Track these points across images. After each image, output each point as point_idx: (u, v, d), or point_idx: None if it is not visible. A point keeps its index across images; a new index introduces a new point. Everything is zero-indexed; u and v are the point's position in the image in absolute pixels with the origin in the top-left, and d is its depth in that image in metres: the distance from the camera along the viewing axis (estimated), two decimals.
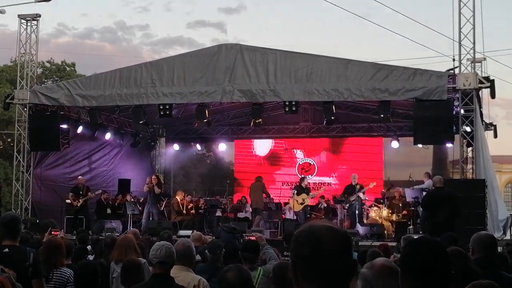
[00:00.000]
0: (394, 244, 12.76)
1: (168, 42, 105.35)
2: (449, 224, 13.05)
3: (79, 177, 21.17)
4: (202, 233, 12.17)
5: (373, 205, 20.81)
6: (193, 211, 21.22)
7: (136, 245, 7.88)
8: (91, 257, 9.40)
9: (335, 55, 22.09)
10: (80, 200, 20.12)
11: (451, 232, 9.12)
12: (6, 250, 5.91)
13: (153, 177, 21.41)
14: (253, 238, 8.24)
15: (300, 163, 25.58)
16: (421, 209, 16.39)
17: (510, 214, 17.76)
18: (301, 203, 20.51)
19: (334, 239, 2.45)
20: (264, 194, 21.32)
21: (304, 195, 20.61)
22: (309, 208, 21.34)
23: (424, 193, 16.88)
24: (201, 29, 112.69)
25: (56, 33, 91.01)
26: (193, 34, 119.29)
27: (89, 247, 10.39)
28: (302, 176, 22.59)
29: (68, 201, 20.32)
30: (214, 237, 12.50)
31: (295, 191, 20.76)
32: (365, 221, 19.91)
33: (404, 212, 19.43)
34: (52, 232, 9.01)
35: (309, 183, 22.57)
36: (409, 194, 18.71)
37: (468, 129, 17.01)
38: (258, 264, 7.31)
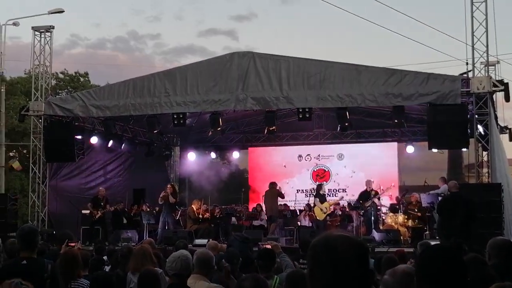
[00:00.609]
0: (411, 250, 12.73)
1: (180, 51, 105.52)
2: (465, 229, 12.99)
3: (100, 188, 21.25)
4: (217, 242, 12.17)
5: (388, 212, 20.73)
6: (207, 221, 21.22)
7: (153, 255, 7.90)
8: (107, 268, 9.42)
9: (347, 60, 22.04)
10: (99, 212, 20.21)
11: (460, 239, 9.04)
12: (24, 262, 5.95)
13: (168, 186, 21.46)
14: (268, 246, 8.24)
15: (315, 169, 25.53)
16: (437, 214, 16.31)
17: None
18: (325, 212, 20.41)
19: (351, 248, 2.47)
20: (279, 198, 21.26)
21: (326, 204, 20.53)
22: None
23: (440, 198, 16.80)
24: (213, 37, 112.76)
25: (69, 44, 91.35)
26: (204, 43, 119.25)
27: (105, 257, 10.42)
28: (319, 183, 22.42)
29: (86, 211, 20.39)
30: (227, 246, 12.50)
31: (318, 199, 20.62)
32: (381, 227, 19.81)
33: (418, 214, 19.30)
34: (69, 244, 9.04)
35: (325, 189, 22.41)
36: (425, 199, 18.64)
37: (483, 133, 16.93)
38: (274, 273, 7.30)
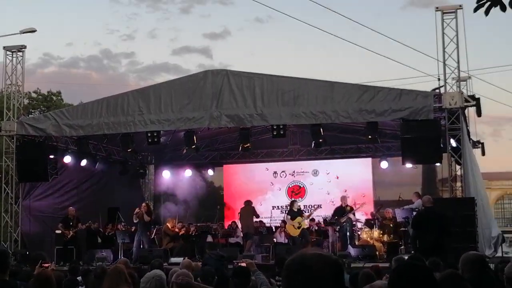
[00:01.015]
0: (386, 265, 12.76)
1: (154, 69, 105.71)
2: (439, 244, 13.06)
3: (70, 208, 21.05)
4: (192, 260, 12.12)
5: (363, 227, 20.78)
6: (182, 239, 21.12)
7: (127, 274, 7.83)
8: None
9: (321, 77, 22.19)
10: (71, 231, 20.02)
11: (435, 258, 9.10)
12: None
13: (143, 205, 21.27)
14: (243, 264, 8.22)
15: (290, 186, 25.56)
16: (411, 229, 16.38)
17: (501, 231, 17.81)
18: (298, 227, 20.31)
19: (326, 267, 2.48)
20: (254, 217, 21.22)
21: (299, 219, 20.41)
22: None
23: (415, 213, 16.89)
24: (186, 55, 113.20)
25: (41, 63, 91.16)
26: (178, 60, 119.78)
27: (80, 277, 10.33)
28: (292, 199, 22.46)
29: (58, 231, 20.21)
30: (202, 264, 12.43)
31: (289, 217, 20.58)
32: (356, 242, 19.85)
33: (391, 225, 19.39)
34: (43, 265, 8.95)
35: (299, 205, 22.29)
36: (400, 214, 18.72)
37: (456, 147, 17.09)
38: None
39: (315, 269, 2.46)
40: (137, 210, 20.72)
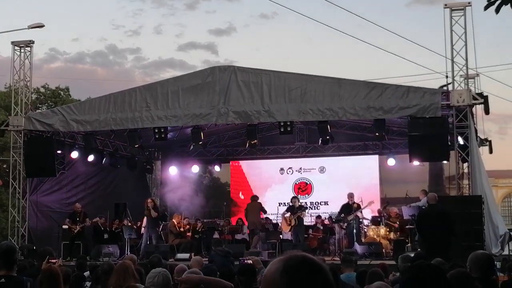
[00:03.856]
0: (393, 262, 12.74)
1: (160, 65, 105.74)
2: (444, 242, 12.99)
3: (76, 204, 21.07)
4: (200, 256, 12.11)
5: (369, 224, 20.76)
6: (189, 234, 21.14)
7: (135, 270, 7.84)
8: (88, 284, 9.34)
9: (327, 73, 22.14)
10: (78, 226, 20.05)
11: (439, 257, 9.05)
12: (3, 280, 5.89)
13: (149, 200, 21.28)
14: (250, 261, 8.21)
15: (297, 182, 25.54)
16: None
17: (508, 229, 17.75)
18: (289, 224, 20.17)
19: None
20: (261, 213, 21.12)
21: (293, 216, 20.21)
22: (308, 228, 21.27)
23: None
24: (192, 51, 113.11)
25: (48, 58, 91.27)
26: (184, 56, 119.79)
27: (87, 273, 10.34)
28: (294, 195, 22.35)
29: (65, 226, 20.26)
30: (208, 261, 12.44)
31: (288, 213, 20.28)
32: (362, 240, 19.83)
33: (395, 225, 19.37)
34: (50, 260, 8.94)
35: (301, 202, 21.90)
36: (406, 212, 18.71)
37: (463, 145, 17.04)
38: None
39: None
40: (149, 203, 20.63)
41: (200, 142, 20.32)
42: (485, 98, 17.22)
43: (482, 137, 20.84)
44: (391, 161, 23.46)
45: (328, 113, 17.57)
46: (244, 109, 18.11)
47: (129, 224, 21.44)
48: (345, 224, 19.88)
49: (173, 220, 21.39)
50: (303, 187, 25.39)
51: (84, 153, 21.60)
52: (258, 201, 21.30)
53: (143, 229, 21.17)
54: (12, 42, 20.76)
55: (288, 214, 20.21)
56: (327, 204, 24.35)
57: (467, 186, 17.44)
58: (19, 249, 17.66)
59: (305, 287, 2.25)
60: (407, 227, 19.12)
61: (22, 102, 20.45)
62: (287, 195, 24.81)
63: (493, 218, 16.65)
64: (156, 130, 19.10)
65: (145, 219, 20.86)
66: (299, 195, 23.07)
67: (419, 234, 14.43)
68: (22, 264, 9.38)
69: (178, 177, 26.18)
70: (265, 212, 21.35)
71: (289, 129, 18.65)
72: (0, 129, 20.73)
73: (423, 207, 16.83)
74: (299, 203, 20.73)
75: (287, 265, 2.30)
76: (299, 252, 2.38)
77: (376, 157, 24.70)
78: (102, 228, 21.41)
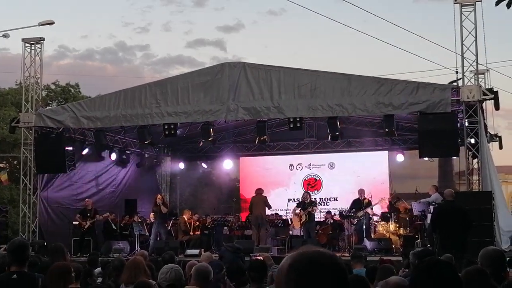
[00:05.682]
0: (397, 258, 12.72)
1: (169, 62, 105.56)
2: (463, 239, 12.89)
3: (87, 199, 21.17)
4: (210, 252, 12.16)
5: (379, 220, 20.74)
6: (198, 231, 21.17)
7: (146, 266, 7.88)
8: (99, 279, 9.38)
9: (336, 69, 22.12)
10: (88, 222, 20.11)
11: (458, 255, 9.00)
12: (15, 276, 5.92)
13: (159, 196, 21.31)
14: (260, 258, 8.24)
15: (306, 178, 25.53)
16: (428, 222, 16.28)
17: None
18: (300, 220, 20.17)
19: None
20: (267, 208, 21.04)
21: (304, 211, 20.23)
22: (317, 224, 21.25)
23: (431, 206, 16.82)
24: (200, 47, 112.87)
25: (57, 55, 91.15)
26: (192, 53, 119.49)
27: (99, 269, 10.39)
28: (305, 191, 22.34)
29: (75, 222, 20.34)
30: (218, 257, 12.46)
31: (298, 208, 20.38)
32: (372, 235, 19.81)
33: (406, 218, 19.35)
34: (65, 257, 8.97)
35: (311, 198, 21.89)
36: (416, 208, 18.63)
37: (473, 141, 16.99)
38: (265, 284, 7.31)
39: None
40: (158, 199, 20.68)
41: (210, 139, 20.32)
42: (495, 94, 17.15)
43: (492, 132, 20.78)
44: (400, 157, 23.45)
45: (337, 109, 17.55)
46: (253, 105, 18.12)
47: (139, 220, 21.49)
48: (355, 220, 19.87)
49: (183, 216, 21.42)
50: (312, 183, 25.37)
51: (94, 149, 21.69)
52: (263, 194, 21.19)
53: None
54: (23, 39, 20.82)
55: (298, 210, 20.23)
56: (337, 200, 24.33)
57: (477, 182, 17.37)
58: (30, 245, 17.73)
59: (313, 282, 2.24)
60: (417, 222, 19.08)
61: (32, 99, 20.51)
62: (297, 191, 24.81)
63: (503, 213, 16.62)
64: (166, 127, 19.13)
65: (152, 215, 20.87)
66: (309, 191, 23.03)
67: (435, 231, 14.24)
68: (33, 260, 9.40)
69: (188, 173, 26.22)
70: (269, 207, 21.16)
71: (298, 125, 18.65)
72: (11, 126, 20.85)
73: (434, 203, 16.80)
74: (310, 199, 20.75)
75: (296, 260, 2.29)
76: (311, 248, 2.36)
77: (386, 152, 24.65)
78: (113, 224, 21.49)
